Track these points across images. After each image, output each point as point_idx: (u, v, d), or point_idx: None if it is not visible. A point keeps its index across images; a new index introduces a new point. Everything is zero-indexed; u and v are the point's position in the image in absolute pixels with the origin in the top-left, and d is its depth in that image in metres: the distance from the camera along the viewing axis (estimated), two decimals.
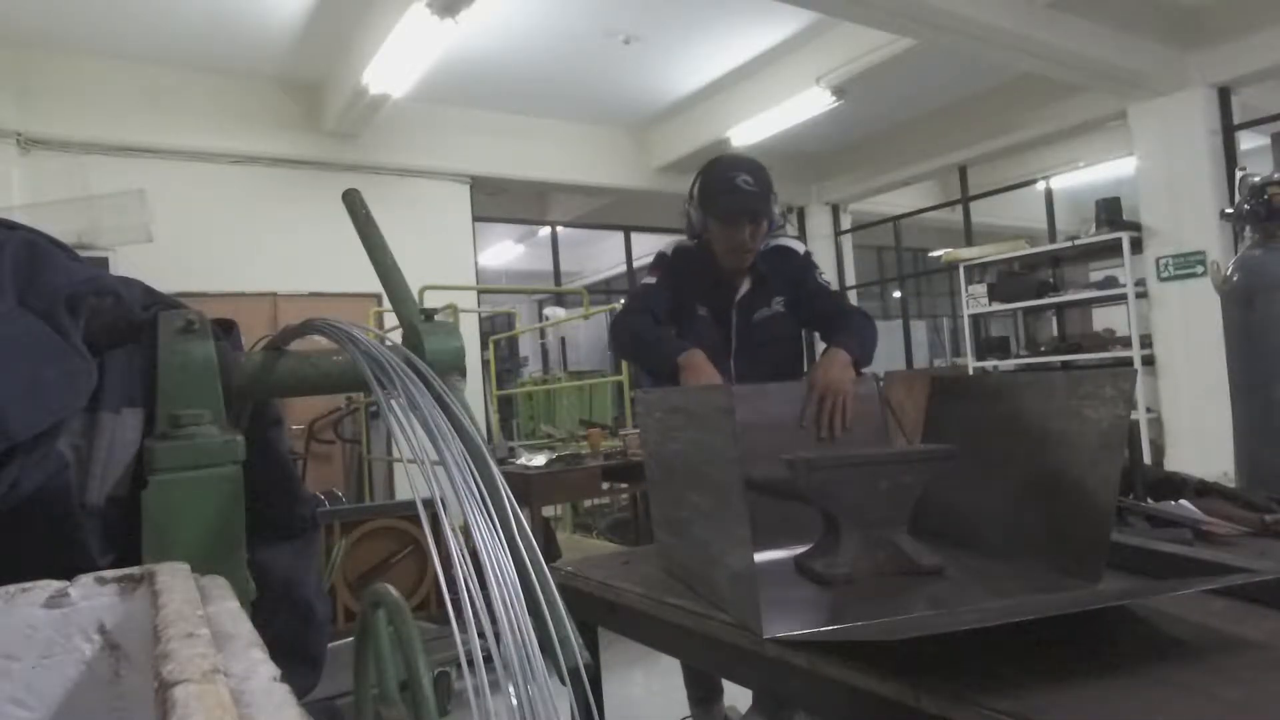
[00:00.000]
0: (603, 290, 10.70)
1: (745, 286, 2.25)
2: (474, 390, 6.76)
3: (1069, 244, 6.58)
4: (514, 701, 0.70)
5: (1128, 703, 0.85)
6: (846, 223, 9.34)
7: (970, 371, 6.97)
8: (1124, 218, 6.22)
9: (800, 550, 1.48)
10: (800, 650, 1.06)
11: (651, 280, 2.24)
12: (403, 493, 5.93)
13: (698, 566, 1.36)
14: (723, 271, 2.23)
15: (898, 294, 10.39)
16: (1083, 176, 8.14)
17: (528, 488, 3.91)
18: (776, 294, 2.27)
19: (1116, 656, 0.98)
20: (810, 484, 1.37)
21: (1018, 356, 7.03)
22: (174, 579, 0.72)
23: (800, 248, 2.36)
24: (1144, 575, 1.27)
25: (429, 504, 0.79)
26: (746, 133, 7.03)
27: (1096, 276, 6.77)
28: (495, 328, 8.74)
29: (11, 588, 0.71)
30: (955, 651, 0.99)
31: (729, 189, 2.11)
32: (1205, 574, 1.17)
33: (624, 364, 5.39)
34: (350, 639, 1.13)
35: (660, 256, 2.30)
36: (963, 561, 1.40)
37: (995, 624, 0.95)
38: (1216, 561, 1.22)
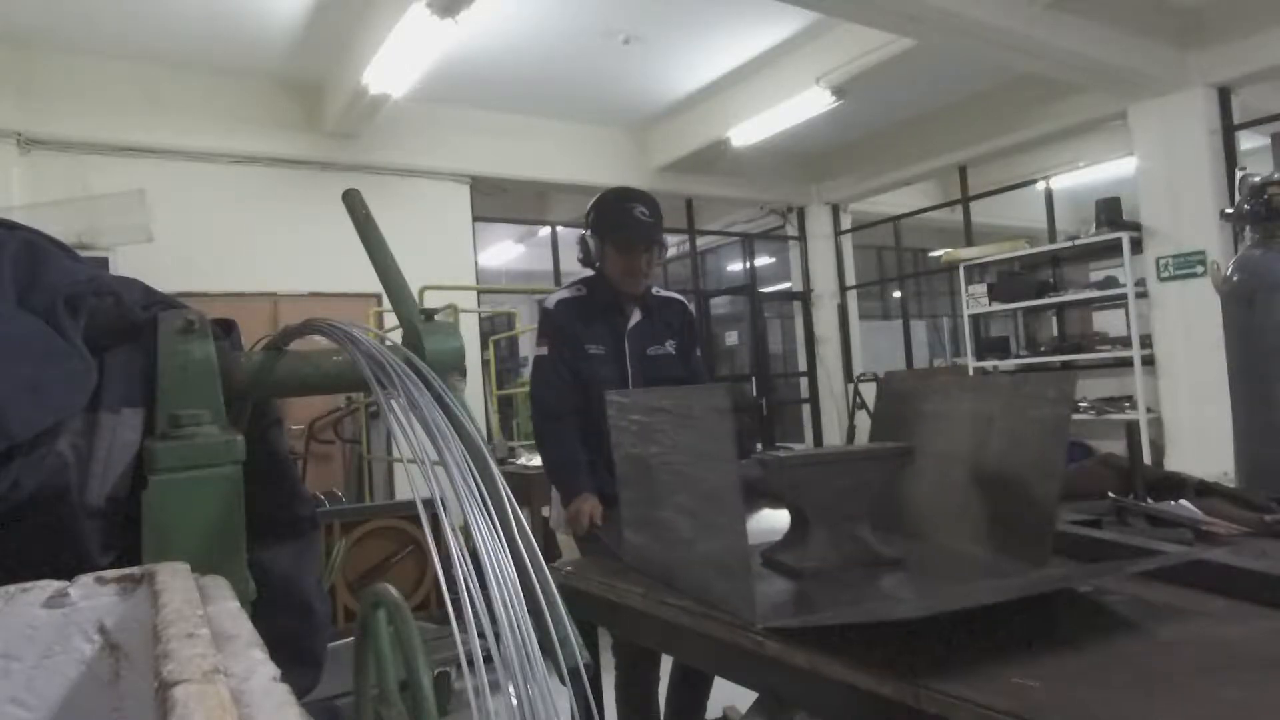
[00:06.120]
0: None
1: (636, 316, 2.40)
2: (474, 390, 6.75)
3: (1069, 244, 6.57)
4: (514, 701, 0.70)
5: (1128, 703, 0.85)
6: (846, 223, 9.32)
7: (970, 372, 6.97)
8: (1124, 218, 6.21)
9: (765, 545, 1.53)
10: (800, 650, 1.06)
11: (544, 352, 2.37)
12: (403, 493, 5.92)
13: (679, 563, 1.40)
14: (612, 300, 2.37)
15: (898, 294, 10.38)
16: (1083, 176, 8.13)
17: (528, 488, 3.91)
18: (669, 336, 2.44)
19: (1117, 657, 0.98)
20: (784, 481, 1.44)
21: (1018, 356, 7.02)
22: (174, 579, 0.72)
23: (689, 305, 2.56)
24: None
25: (429, 504, 0.79)
26: (746, 133, 7.02)
27: (1096, 276, 6.76)
28: (495, 328, 8.73)
29: (11, 588, 0.71)
30: (954, 651, 0.99)
31: (626, 219, 2.30)
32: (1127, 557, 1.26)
33: None
34: (350, 639, 1.13)
35: (544, 317, 2.40)
36: (918, 552, 1.48)
37: (991, 602, 1.01)
38: (1138, 546, 1.30)
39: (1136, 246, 6.04)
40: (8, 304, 0.99)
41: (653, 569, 1.50)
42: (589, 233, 2.38)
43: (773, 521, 1.67)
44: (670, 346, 2.44)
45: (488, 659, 0.70)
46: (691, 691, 2.32)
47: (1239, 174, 2.32)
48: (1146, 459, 2.30)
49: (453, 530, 0.75)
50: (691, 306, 2.58)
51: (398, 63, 5.18)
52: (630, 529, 1.62)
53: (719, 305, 9.91)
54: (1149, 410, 5.94)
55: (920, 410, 1.61)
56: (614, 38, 5.97)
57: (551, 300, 2.43)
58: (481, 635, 0.70)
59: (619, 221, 2.31)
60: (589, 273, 2.47)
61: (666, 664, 2.27)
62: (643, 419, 1.50)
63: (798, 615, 1.17)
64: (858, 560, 1.41)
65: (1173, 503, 1.64)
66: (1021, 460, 1.34)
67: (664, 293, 2.52)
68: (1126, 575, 1.27)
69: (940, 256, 8.97)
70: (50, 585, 0.72)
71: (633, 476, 1.58)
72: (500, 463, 2.29)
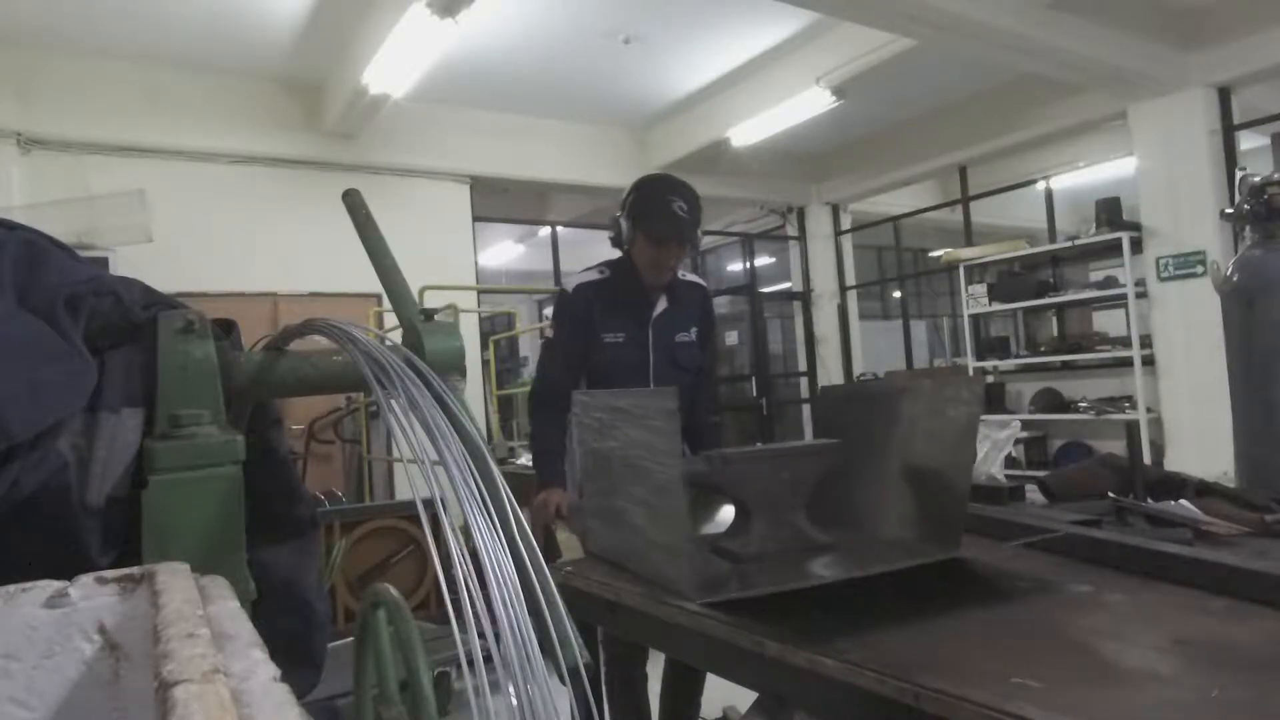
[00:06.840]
0: None
1: (662, 305, 2.34)
2: (474, 390, 6.75)
3: (1069, 244, 6.57)
4: (514, 701, 0.70)
5: (1128, 703, 0.85)
6: (846, 223, 9.32)
7: (970, 372, 6.97)
8: (1124, 218, 6.20)
9: (715, 535, 1.65)
10: (800, 650, 1.06)
11: (551, 335, 2.35)
12: (403, 493, 5.92)
13: (633, 548, 1.53)
14: (637, 290, 2.31)
15: (898, 294, 10.38)
16: (1083, 176, 8.12)
17: (527, 488, 3.90)
18: (693, 323, 2.40)
19: (1116, 657, 0.98)
20: (726, 476, 1.55)
21: (1017, 356, 7.02)
22: (174, 579, 0.72)
23: (706, 286, 2.53)
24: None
25: (429, 504, 0.79)
26: (746, 133, 7.01)
27: (1096, 276, 6.76)
28: (495, 328, 8.73)
29: (11, 588, 0.71)
30: (955, 651, 0.99)
31: (665, 212, 2.21)
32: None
33: None
34: (350, 639, 1.13)
35: (561, 299, 2.36)
36: (848, 539, 1.60)
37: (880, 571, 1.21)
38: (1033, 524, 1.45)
39: (1136, 246, 6.04)
40: (8, 304, 0.99)
41: (611, 555, 1.62)
42: (623, 214, 2.31)
43: (727, 515, 1.80)
44: (693, 333, 2.39)
45: (488, 659, 0.70)
46: (685, 689, 2.31)
47: (1239, 174, 2.31)
48: (1146, 459, 2.30)
49: (453, 530, 0.75)
50: (708, 289, 2.55)
51: (398, 63, 5.18)
52: (594, 518, 1.73)
53: (719, 305, 9.88)
54: (1149, 410, 5.94)
55: (855, 412, 1.76)
56: (614, 38, 5.97)
57: (571, 283, 2.36)
58: (481, 635, 0.70)
59: (656, 212, 2.23)
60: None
61: (660, 663, 2.27)
62: (603, 416, 1.61)
63: (734, 594, 1.30)
64: (794, 546, 1.54)
65: (1173, 503, 1.64)
66: (939, 455, 1.47)
67: (689, 277, 2.45)
68: (1121, 574, 1.28)
69: (940, 256, 8.96)
70: (50, 585, 0.72)
71: (595, 469, 1.69)
72: (500, 463, 2.31)
